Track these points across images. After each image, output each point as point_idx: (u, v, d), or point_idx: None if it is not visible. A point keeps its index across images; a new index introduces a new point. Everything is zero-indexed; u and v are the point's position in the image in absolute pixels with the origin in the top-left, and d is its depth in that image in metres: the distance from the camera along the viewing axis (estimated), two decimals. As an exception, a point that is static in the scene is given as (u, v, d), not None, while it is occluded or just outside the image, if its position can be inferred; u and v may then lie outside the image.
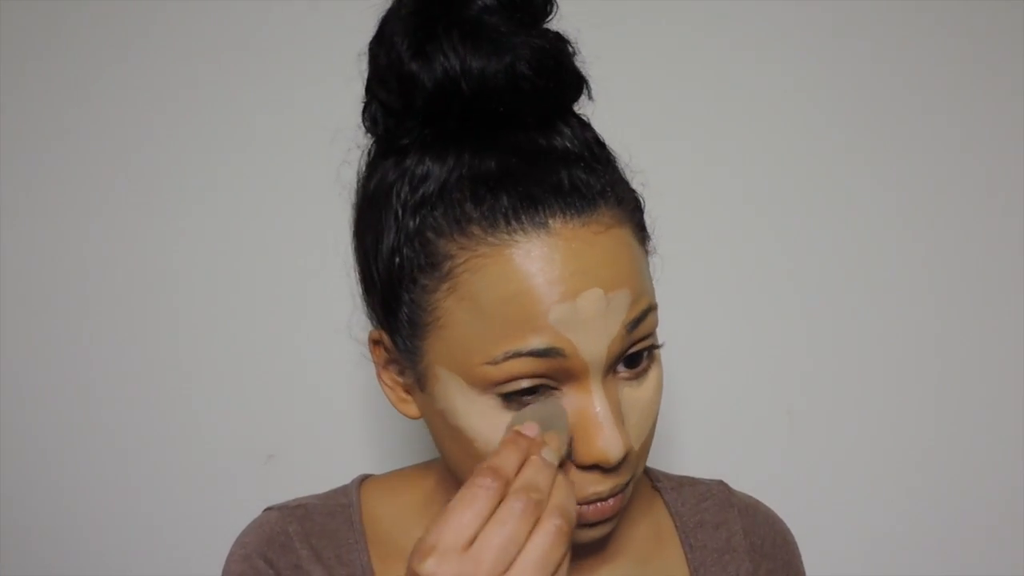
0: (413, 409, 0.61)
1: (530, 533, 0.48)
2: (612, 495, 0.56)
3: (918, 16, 1.06)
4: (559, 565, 0.48)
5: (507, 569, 0.47)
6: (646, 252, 0.59)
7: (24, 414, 1.04)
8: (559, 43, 0.57)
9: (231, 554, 0.65)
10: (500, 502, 0.48)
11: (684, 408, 1.05)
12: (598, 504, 0.56)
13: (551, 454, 0.51)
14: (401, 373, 0.60)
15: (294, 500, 0.67)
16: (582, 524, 0.56)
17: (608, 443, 0.53)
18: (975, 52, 1.07)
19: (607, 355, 0.54)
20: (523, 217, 0.53)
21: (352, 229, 0.63)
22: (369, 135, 0.61)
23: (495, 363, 0.53)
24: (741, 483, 0.75)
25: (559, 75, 0.56)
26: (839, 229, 1.06)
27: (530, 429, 0.52)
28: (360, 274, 0.62)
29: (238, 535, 0.66)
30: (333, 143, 1.03)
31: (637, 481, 0.59)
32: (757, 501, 0.74)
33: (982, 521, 1.07)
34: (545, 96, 0.56)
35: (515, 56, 0.54)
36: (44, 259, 1.04)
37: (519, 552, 0.47)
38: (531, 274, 0.52)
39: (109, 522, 1.04)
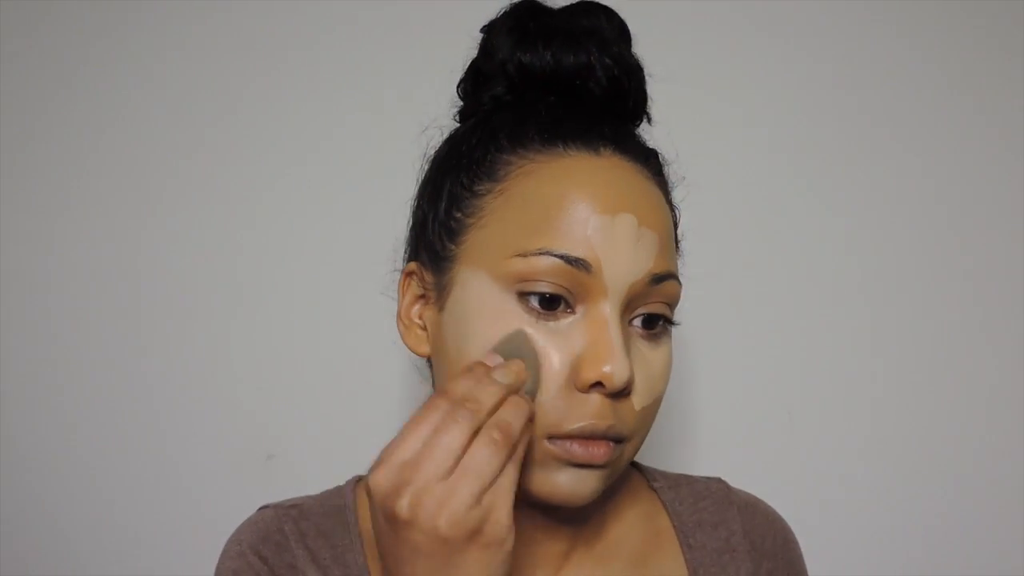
0: (424, 345, 0.63)
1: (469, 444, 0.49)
2: (605, 437, 0.56)
3: (937, 16, 1.07)
4: (495, 477, 0.49)
5: (445, 478, 0.48)
6: (677, 246, 0.64)
7: (24, 414, 1.04)
8: (638, 66, 0.64)
9: (225, 550, 0.65)
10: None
11: (684, 408, 1.05)
12: (589, 444, 0.56)
13: (503, 375, 0.52)
14: (423, 306, 0.62)
15: (288, 500, 0.67)
16: (567, 463, 0.56)
17: (614, 362, 0.54)
18: (984, 54, 1.07)
19: (627, 291, 0.56)
20: (579, 140, 0.59)
21: (425, 175, 0.66)
22: (455, 108, 0.67)
23: (525, 255, 0.55)
24: (741, 483, 0.75)
25: (629, 76, 0.63)
26: (840, 230, 1.06)
27: (491, 358, 0.54)
28: (417, 214, 0.65)
29: (232, 532, 0.66)
30: (332, 143, 1.04)
31: (626, 472, 0.59)
32: (756, 499, 0.74)
33: (982, 521, 1.06)
34: (617, 90, 0.63)
35: (600, 52, 0.61)
36: (44, 259, 1.04)
37: (457, 462, 0.49)
38: (578, 182, 0.57)
39: (109, 521, 1.04)
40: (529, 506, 0.61)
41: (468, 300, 0.58)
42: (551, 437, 0.56)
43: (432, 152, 0.66)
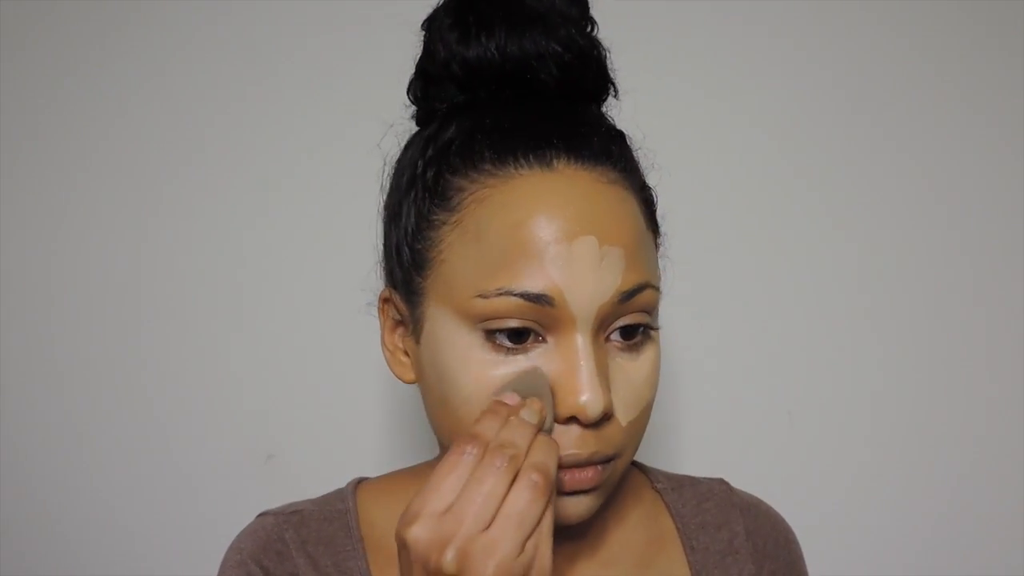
0: (409, 372, 0.62)
1: (508, 490, 0.48)
2: (590, 463, 0.55)
3: (933, 16, 1.06)
4: (539, 521, 0.48)
5: (487, 526, 0.47)
6: (655, 241, 0.61)
7: (24, 414, 1.04)
8: (591, 46, 0.61)
9: (225, 560, 0.64)
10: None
11: (684, 409, 1.05)
12: (575, 472, 0.55)
13: (530, 414, 0.52)
14: (403, 333, 0.62)
15: (289, 505, 0.67)
16: (559, 491, 0.55)
17: (586, 395, 0.53)
18: (985, 54, 1.07)
19: (596, 315, 0.54)
20: (531, 156, 0.56)
21: (385, 197, 0.65)
22: (411, 110, 0.65)
23: (486, 297, 0.54)
24: (741, 483, 0.75)
25: (588, 58, 0.60)
26: (840, 231, 1.06)
27: (510, 398, 0.53)
28: (385, 236, 0.63)
29: (232, 541, 0.65)
30: (332, 144, 1.04)
31: (628, 474, 0.59)
32: (759, 500, 0.74)
33: (982, 521, 1.07)
34: (575, 75, 0.60)
35: (549, 33, 0.58)
36: (44, 259, 1.03)
37: (498, 509, 0.48)
38: (532, 208, 0.54)
39: (109, 521, 1.04)
40: None
41: (439, 339, 0.57)
42: None
43: (395, 159, 0.65)
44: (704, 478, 0.73)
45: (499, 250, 0.54)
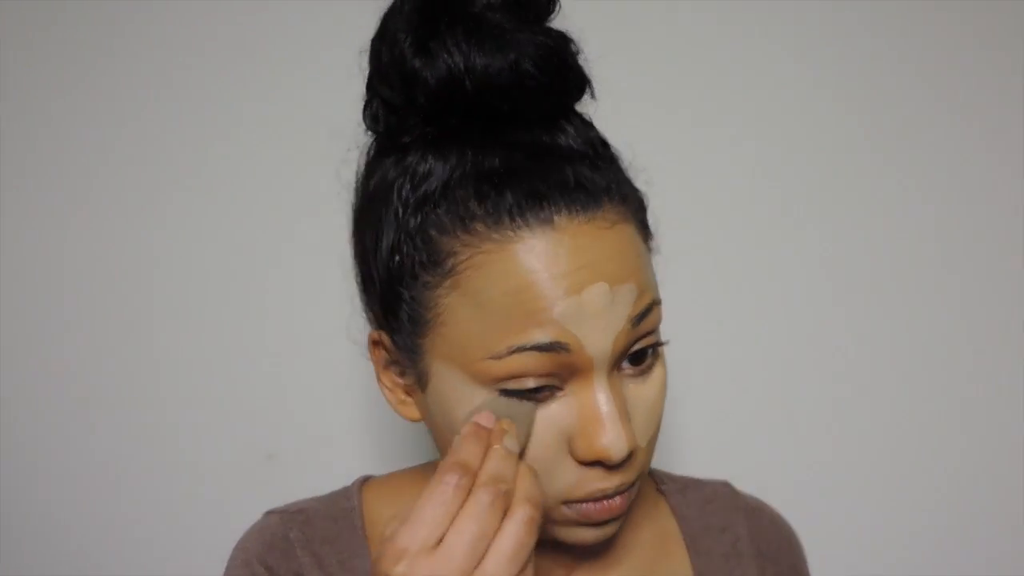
0: (413, 411, 0.61)
1: (500, 525, 0.47)
2: (618, 493, 0.55)
3: (934, 15, 1.06)
4: (530, 555, 0.48)
5: (480, 563, 0.46)
6: (649, 249, 0.59)
7: (23, 414, 1.03)
8: (563, 41, 0.57)
9: (231, 559, 0.64)
10: (468, 496, 0.48)
11: (684, 409, 1.05)
12: (604, 502, 0.55)
13: (512, 442, 0.51)
14: (402, 374, 0.60)
15: (294, 504, 0.67)
16: (587, 524, 0.56)
17: (612, 440, 0.52)
18: (980, 54, 1.06)
19: (612, 350, 0.53)
20: (528, 214, 0.52)
21: (351, 229, 0.62)
22: (370, 133, 0.61)
23: (499, 358, 0.52)
24: (740, 484, 0.75)
25: (563, 73, 0.56)
26: (841, 231, 1.06)
27: (486, 419, 0.52)
28: (359, 274, 0.61)
29: (238, 540, 0.65)
30: (332, 143, 1.03)
31: (643, 481, 0.59)
32: (762, 503, 0.74)
33: (983, 522, 1.07)
34: (549, 94, 0.56)
35: (520, 53, 0.54)
36: (44, 258, 1.03)
37: (490, 545, 0.47)
38: (536, 270, 0.52)
39: (109, 522, 1.04)
40: None
41: (452, 396, 0.55)
42: (567, 502, 0.55)
43: (358, 183, 0.62)
44: (708, 480, 0.74)
45: (504, 313, 0.52)
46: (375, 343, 0.61)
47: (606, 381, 0.53)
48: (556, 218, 0.53)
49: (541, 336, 0.52)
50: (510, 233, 0.52)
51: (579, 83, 0.58)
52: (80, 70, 1.03)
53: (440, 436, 0.58)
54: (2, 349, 1.03)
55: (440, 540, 0.47)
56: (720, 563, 0.68)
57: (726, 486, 0.73)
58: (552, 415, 0.54)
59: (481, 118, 0.55)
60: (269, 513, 0.66)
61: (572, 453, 0.54)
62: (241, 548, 0.64)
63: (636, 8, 1.04)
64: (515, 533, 0.47)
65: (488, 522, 0.47)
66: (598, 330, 0.52)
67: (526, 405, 0.54)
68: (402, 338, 0.57)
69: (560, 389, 0.54)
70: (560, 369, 0.53)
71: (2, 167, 1.03)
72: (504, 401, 0.53)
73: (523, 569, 0.47)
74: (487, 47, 0.53)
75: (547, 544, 0.61)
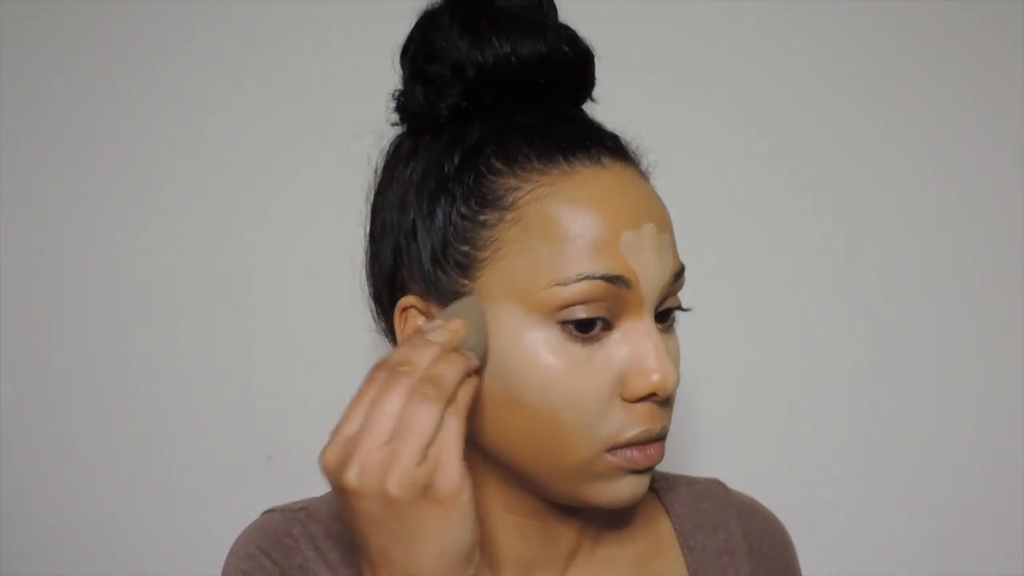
0: None
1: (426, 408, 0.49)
2: (660, 437, 0.57)
3: (929, 13, 1.07)
4: (435, 431, 0.49)
5: (387, 441, 0.48)
6: None
7: (24, 414, 1.03)
8: (585, 51, 0.62)
9: (232, 552, 0.64)
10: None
11: (684, 410, 1.05)
12: (647, 450, 0.57)
13: (436, 334, 0.52)
14: None
15: (296, 502, 0.67)
16: (631, 471, 0.57)
17: (666, 372, 0.56)
18: (983, 54, 1.07)
19: (659, 294, 0.57)
20: (579, 152, 0.57)
21: (376, 214, 0.64)
22: (399, 123, 0.63)
23: (566, 284, 0.54)
24: (740, 484, 0.75)
25: (587, 55, 0.62)
26: (840, 232, 1.07)
27: (428, 325, 0.54)
28: (394, 250, 0.62)
29: (238, 536, 0.65)
30: (335, 143, 1.04)
31: None
32: (754, 500, 0.74)
33: (982, 522, 1.07)
34: (577, 75, 0.61)
35: (556, 35, 0.59)
36: (45, 258, 1.03)
37: (405, 424, 0.49)
38: (598, 199, 0.56)
39: (109, 522, 1.04)
40: (533, 513, 0.61)
41: (504, 336, 0.56)
42: (611, 449, 0.56)
43: (380, 165, 0.64)
44: (700, 478, 0.74)
45: (570, 239, 0.55)
46: (405, 310, 0.61)
47: (653, 321, 0.57)
48: (604, 159, 0.58)
49: (608, 267, 0.55)
50: (566, 168, 0.57)
51: (592, 75, 0.63)
52: (80, 70, 1.03)
53: (494, 402, 0.57)
54: (3, 349, 1.04)
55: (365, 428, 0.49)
56: (713, 560, 0.68)
57: (718, 484, 0.74)
58: (608, 356, 0.56)
59: (515, 94, 0.60)
60: (270, 511, 0.67)
61: (624, 392, 0.56)
62: (243, 542, 0.64)
63: (636, 8, 1.04)
64: (413, 410, 0.49)
65: (393, 403, 0.49)
66: (651, 270, 0.56)
67: (469, 299, 0.56)
68: (446, 289, 0.58)
69: (611, 327, 0.56)
70: (615, 305, 0.56)
71: (7, 168, 1.04)
72: (460, 306, 0.55)
73: (430, 443, 0.48)
74: (525, 32, 0.59)
75: (543, 541, 0.62)
